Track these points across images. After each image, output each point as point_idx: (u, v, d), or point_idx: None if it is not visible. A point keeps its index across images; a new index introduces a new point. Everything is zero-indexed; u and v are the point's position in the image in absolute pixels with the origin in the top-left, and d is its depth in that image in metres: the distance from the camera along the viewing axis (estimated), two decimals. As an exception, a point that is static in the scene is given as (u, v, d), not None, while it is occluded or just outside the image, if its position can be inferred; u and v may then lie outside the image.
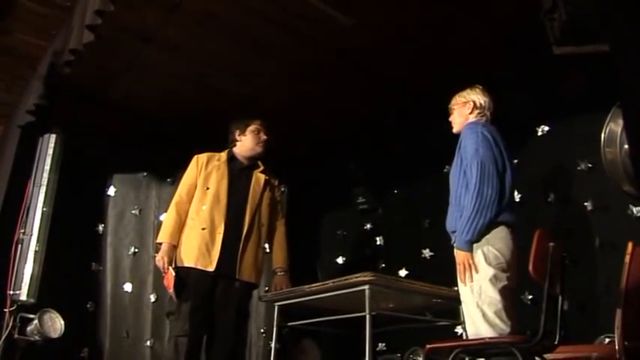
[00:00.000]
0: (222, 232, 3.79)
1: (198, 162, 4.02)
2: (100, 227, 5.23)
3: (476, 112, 3.43)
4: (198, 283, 3.70)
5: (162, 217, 5.16)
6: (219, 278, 3.74)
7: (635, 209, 3.76)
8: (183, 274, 3.71)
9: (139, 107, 5.07)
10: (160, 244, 3.85)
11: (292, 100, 5.03)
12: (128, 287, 5.06)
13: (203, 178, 3.94)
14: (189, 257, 3.74)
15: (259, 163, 4.14)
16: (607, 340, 3.43)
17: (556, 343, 2.77)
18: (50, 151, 4.37)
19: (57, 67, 3.83)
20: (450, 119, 3.55)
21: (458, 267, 3.09)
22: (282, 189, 4.42)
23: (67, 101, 4.67)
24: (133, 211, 5.26)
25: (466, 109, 3.44)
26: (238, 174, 4.02)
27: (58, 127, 4.56)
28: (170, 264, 3.73)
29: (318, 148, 4.62)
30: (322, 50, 4.36)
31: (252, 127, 4.10)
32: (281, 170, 5.76)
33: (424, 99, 3.65)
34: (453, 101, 3.53)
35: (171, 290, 3.67)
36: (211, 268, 3.69)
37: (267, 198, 4.06)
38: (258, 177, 4.07)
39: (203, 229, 3.77)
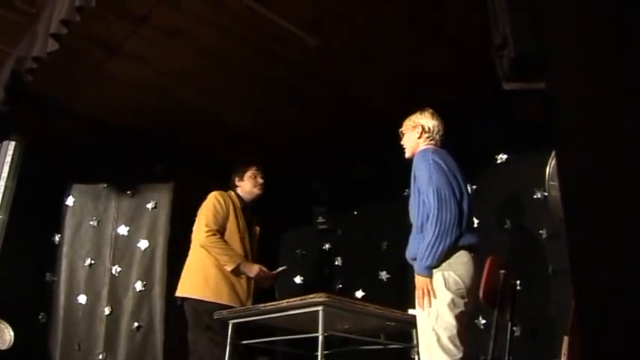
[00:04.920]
0: (246, 281, 4.14)
1: (224, 203, 4.24)
2: (57, 237, 5.13)
3: (425, 136, 3.45)
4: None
5: (121, 230, 5.15)
6: None
7: (586, 239, 3.84)
8: (204, 308, 3.96)
9: (102, 118, 5.03)
10: (238, 266, 4.06)
11: (257, 117, 5.05)
12: (82, 299, 4.96)
13: (234, 223, 4.22)
14: (218, 296, 4.02)
15: (254, 218, 4.47)
16: (556, 365, 3.49)
17: (504, 368, 2.82)
18: (8, 159, 4.33)
19: (19, 73, 3.78)
20: (402, 143, 3.59)
21: (417, 292, 3.09)
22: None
23: (29, 108, 4.61)
24: (91, 222, 5.17)
25: (415, 133, 3.46)
26: (249, 225, 4.36)
27: (18, 134, 4.51)
28: None
29: (280, 166, 4.65)
30: (288, 69, 4.39)
31: (249, 173, 4.43)
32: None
33: (387, 122, 3.69)
34: (404, 125, 3.56)
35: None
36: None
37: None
38: (256, 230, 4.45)
39: (240, 278, 4.10)
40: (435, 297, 3.02)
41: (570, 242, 1.03)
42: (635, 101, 1.05)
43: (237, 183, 4.46)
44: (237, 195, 4.41)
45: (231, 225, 4.20)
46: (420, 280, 3.08)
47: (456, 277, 3.04)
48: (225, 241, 4.10)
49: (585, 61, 1.10)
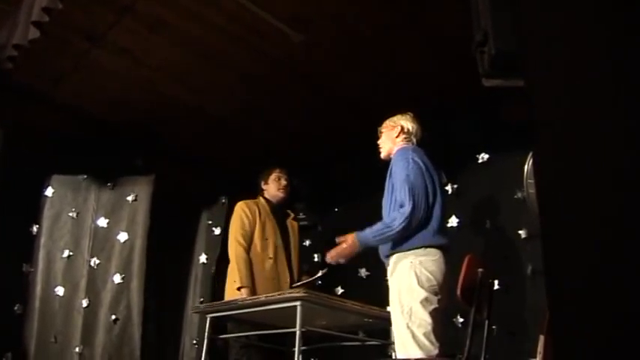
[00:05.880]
0: (288, 281, 4.23)
1: (249, 211, 4.36)
2: (35, 228, 5.07)
3: (402, 136, 3.51)
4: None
5: (100, 222, 5.11)
6: None
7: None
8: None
9: (83, 109, 4.98)
10: (240, 288, 4.05)
11: (240, 113, 5.02)
12: (60, 291, 4.90)
13: (260, 229, 4.31)
14: None
15: (289, 211, 4.64)
16: (532, 364, 3.51)
17: (480, 366, 2.84)
18: (-14, 147, 4.28)
19: (-1, 61, 3.74)
20: (378, 142, 3.62)
21: (339, 247, 3.21)
22: None
23: (9, 98, 4.57)
24: (70, 214, 5.11)
25: (394, 133, 3.52)
26: (282, 223, 4.49)
27: (-3, 122, 4.46)
28: None
29: (261, 162, 4.66)
30: (273, 65, 4.38)
31: (273, 176, 4.55)
32: (224, 181, 5.77)
33: (369, 120, 3.71)
34: (383, 125, 3.61)
35: None
36: None
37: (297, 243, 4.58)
38: (293, 224, 4.58)
39: (273, 279, 4.19)
40: (407, 294, 3.06)
41: (544, 240, 1.03)
42: (611, 101, 1.06)
43: (263, 187, 4.58)
44: (266, 199, 4.52)
45: (258, 231, 4.30)
46: (351, 242, 3.18)
47: (428, 274, 3.07)
48: (247, 259, 4.17)
49: (563, 60, 1.10)
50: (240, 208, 4.39)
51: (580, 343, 1.04)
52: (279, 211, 4.53)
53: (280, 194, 4.52)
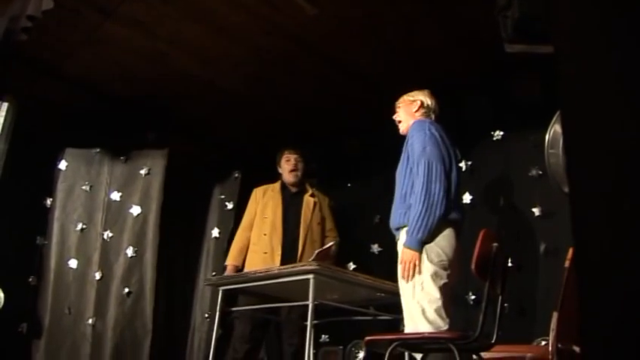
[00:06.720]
0: (280, 254, 4.29)
1: (256, 195, 4.64)
2: (48, 201, 5.11)
3: (422, 110, 3.48)
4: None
5: (113, 195, 5.13)
6: None
7: (579, 217, 3.83)
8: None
9: (96, 82, 4.97)
10: (226, 266, 4.49)
11: (252, 86, 5.00)
12: (73, 263, 4.94)
13: (261, 209, 4.53)
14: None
15: (307, 187, 4.69)
16: (543, 342, 3.50)
17: (493, 342, 2.82)
18: (1, 120, 4.28)
19: (13, 32, 3.72)
20: (395, 117, 3.58)
21: (402, 265, 3.06)
22: (332, 203, 4.82)
23: (23, 70, 4.57)
24: (84, 187, 5.13)
25: (412, 107, 3.49)
26: (290, 200, 4.57)
27: (12, 94, 4.46)
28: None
29: (273, 136, 4.64)
30: (286, 39, 4.34)
31: (283, 159, 4.67)
32: (237, 156, 5.76)
33: (381, 95, 3.68)
34: (400, 100, 3.57)
35: None
36: None
37: (318, 217, 4.57)
38: (308, 200, 4.58)
39: (265, 253, 4.32)
40: (419, 272, 3.02)
41: (573, 207, 1.01)
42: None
43: (280, 171, 4.70)
44: (282, 181, 4.66)
45: (259, 211, 4.52)
46: (407, 253, 3.04)
47: (438, 249, 3.04)
48: (237, 241, 4.53)
49: (592, 22, 1.07)
50: (252, 194, 4.66)
51: (607, 311, 1.02)
52: (292, 189, 4.61)
53: (292, 175, 4.61)
